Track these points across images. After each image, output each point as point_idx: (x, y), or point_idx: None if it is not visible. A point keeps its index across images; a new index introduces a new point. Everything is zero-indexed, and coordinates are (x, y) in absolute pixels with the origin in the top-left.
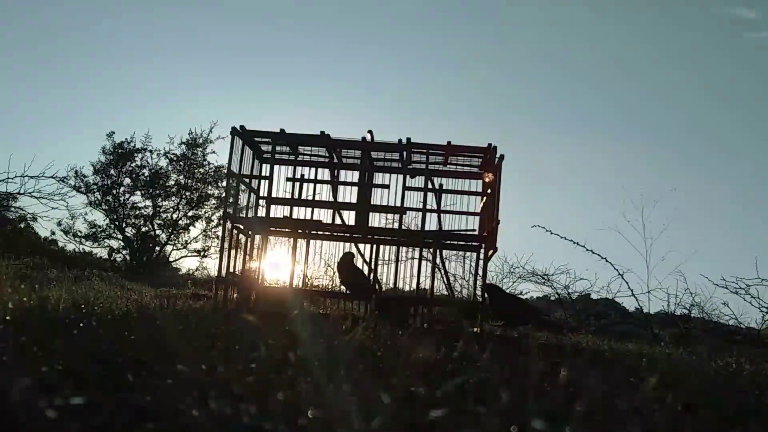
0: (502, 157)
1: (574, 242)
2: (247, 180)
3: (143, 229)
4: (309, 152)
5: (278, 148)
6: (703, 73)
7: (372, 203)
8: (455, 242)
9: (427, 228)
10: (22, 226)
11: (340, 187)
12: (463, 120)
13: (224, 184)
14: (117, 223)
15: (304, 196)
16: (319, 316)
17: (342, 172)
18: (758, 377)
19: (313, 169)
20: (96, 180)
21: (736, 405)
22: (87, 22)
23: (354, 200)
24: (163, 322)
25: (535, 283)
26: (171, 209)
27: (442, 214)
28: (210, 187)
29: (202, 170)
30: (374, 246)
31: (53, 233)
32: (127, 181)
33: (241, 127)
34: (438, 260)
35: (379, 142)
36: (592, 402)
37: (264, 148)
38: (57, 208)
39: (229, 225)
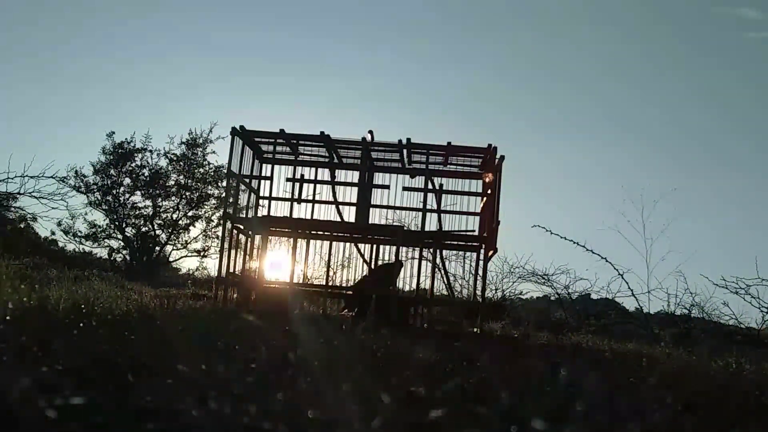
0: (502, 157)
1: (575, 242)
2: (247, 180)
3: (143, 229)
4: (309, 152)
5: (278, 148)
6: (704, 73)
7: (372, 203)
8: (455, 242)
9: (427, 228)
10: (22, 226)
11: (341, 187)
12: (463, 120)
13: (224, 184)
14: (117, 223)
15: (304, 196)
16: (319, 316)
17: (342, 172)
18: (758, 377)
19: (313, 169)
20: (96, 180)
21: (736, 405)
22: (87, 23)
23: (354, 200)
24: (163, 322)
25: (535, 283)
26: (171, 209)
27: (442, 214)
28: (210, 187)
29: (202, 170)
30: (374, 246)
31: (53, 233)
32: (127, 181)
33: (241, 127)
34: (438, 260)
35: (379, 142)
36: (592, 402)
37: (264, 148)
38: (57, 208)
39: (229, 225)
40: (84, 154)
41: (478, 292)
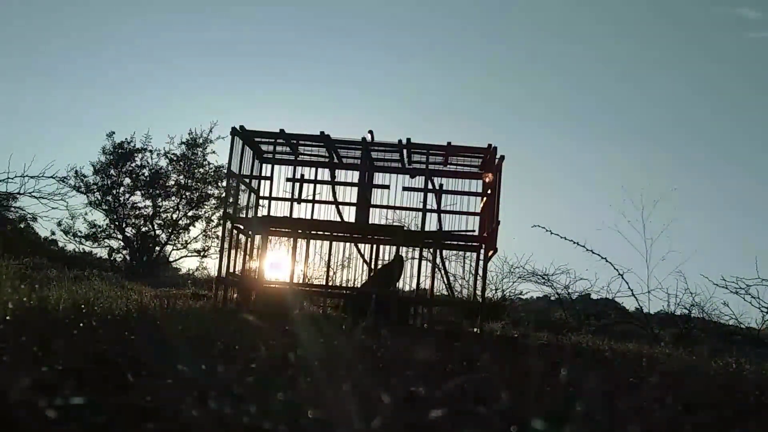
0: (502, 157)
1: (575, 242)
2: (247, 180)
3: (143, 229)
4: (309, 152)
5: (278, 148)
6: (704, 72)
7: (372, 203)
8: (455, 242)
9: (427, 228)
10: (22, 226)
11: (341, 187)
12: (463, 120)
13: (224, 184)
14: (117, 223)
15: (304, 196)
16: (319, 316)
17: (342, 172)
18: (758, 377)
19: (313, 169)
20: (96, 180)
21: (736, 405)
22: (87, 22)
23: (354, 200)
24: (163, 322)
25: (535, 283)
26: (171, 209)
27: (442, 214)
28: (210, 187)
29: (202, 170)
30: (374, 246)
31: (53, 233)
32: (127, 181)
33: (241, 127)
34: (438, 260)
35: (379, 142)
36: (592, 402)
37: (264, 148)
38: (57, 208)
39: (229, 225)
40: (84, 154)
41: (478, 292)
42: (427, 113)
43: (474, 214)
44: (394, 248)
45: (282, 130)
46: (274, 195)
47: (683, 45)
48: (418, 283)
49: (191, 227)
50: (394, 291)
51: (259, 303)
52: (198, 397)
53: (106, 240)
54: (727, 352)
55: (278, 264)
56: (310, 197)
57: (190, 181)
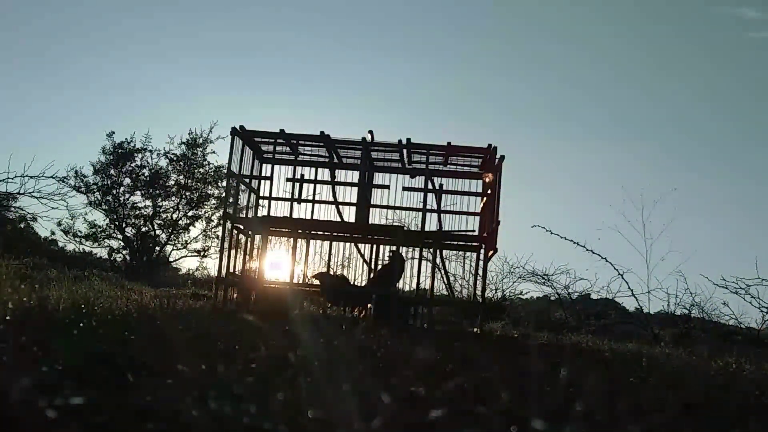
0: (502, 157)
1: (575, 242)
2: (247, 180)
3: (143, 229)
4: (309, 152)
5: (278, 148)
6: (704, 72)
7: (372, 203)
8: (455, 242)
9: (427, 228)
10: (22, 226)
11: (341, 187)
12: (463, 120)
13: (224, 184)
14: (117, 223)
15: (304, 196)
16: (319, 316)
17: (342, 172)
18: (758, 377)
19: (313, 169)
20: (96, 180)
21: (736, 405)
22: (87, 22)
23: (354, 200)
24: (163, 322)
25: (535, 283)
26: (171, 209)
27: (442, 214)
28: (210, 187)
29: (202, 170)
30: (374, 246)
31: (53, 233)
32: (127, 181)
33: (241, 127)
34: (438, 260)
35: (379, 142)
36: (592, 402)
37: (264, 148)
38: (57, 208)
39: (229, 225)
40: (84, 154)
41: (478, 292)
42: (427, 113)
43: (474, 214)
44: (393, 248)
45: (282, 130)
46: (274, 195)
47: (683, 45)
48: (418, 283)
49: (191, 227)
50: (395, 291)
51: (259, 303)
52: (198, 397)
53: (106, 240)
54: (727, 352)
55: (278, 264)
56: (310, 197)
57: (190, 181)
